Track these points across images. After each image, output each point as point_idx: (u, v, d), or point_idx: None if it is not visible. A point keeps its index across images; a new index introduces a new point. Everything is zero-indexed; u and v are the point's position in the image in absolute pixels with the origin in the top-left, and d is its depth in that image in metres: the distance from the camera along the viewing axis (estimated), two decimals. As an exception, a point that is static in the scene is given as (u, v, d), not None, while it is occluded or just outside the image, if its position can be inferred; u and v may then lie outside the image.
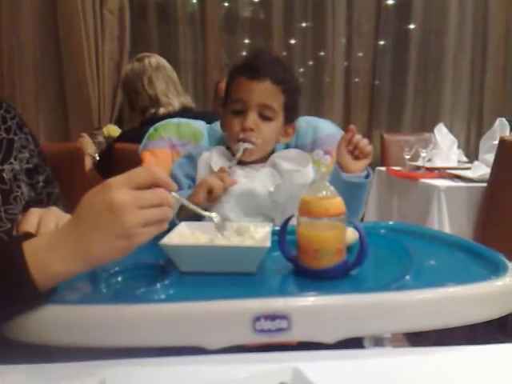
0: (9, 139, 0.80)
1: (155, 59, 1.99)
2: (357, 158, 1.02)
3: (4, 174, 0.76)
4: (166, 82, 1.94)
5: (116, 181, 0.57)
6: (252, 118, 1.06)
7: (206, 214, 0.76)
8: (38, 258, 0.55)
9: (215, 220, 0.76)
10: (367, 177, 1.03)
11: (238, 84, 1.08)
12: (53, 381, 0.52)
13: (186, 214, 0.89)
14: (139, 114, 1.94)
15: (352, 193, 0.99)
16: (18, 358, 0.56)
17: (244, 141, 1.06)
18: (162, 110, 1.87)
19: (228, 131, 1.11)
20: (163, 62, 2.00)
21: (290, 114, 1.13)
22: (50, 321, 0.57)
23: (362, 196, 1.06)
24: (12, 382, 0.47)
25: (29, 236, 0.60)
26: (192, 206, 0.72)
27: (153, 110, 1.88)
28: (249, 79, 1.06)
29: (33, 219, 0.65)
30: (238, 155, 1.06)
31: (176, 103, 1.90)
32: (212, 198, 1.01)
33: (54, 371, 0.54)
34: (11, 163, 0.78)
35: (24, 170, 0.81)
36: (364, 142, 1.01)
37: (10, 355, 0.57)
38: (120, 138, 1.97)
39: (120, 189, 0.55)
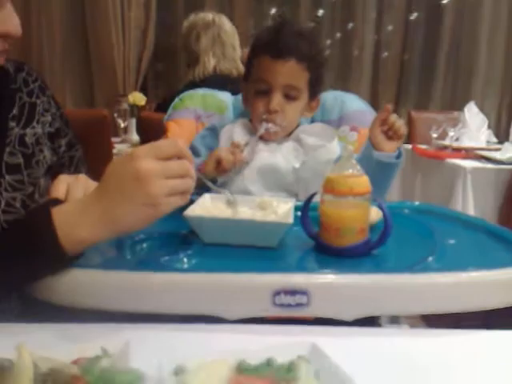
0: (31, 103, 0.79)
1: (212, 16, 1.88)
2: (390, 138, 1.00)
3: (26, 139, 0.76)
4: (214, 41, 1.84)
5: (142, 150, 0.57)
6: (277, 99, 1.03)
7: (220, 189, 0.80)
8: (65, 224, 0.56)
9: (228, 196, 0.78)
10: (398, 157, 1.02)
11: (261, 63, 1.04)
12: (78, 340, 0.54)
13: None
14: (190, 72, 1.88)
15: (382, 172, 0.98)
16: (44, 316, 0.58)
17: (268, 121, 1.04)
18: (196, 71, 1.82)
19: (252, 111, 1.09)
20: (222, 21, 1.89)
21: (315, 89, 1.10)
22: (74, 284, 0.59)
23: (391, 176, 1.05)
24: (38, 340, 0.49)
25: (57, 202, 0.61)
26: (206, 181, 0.76)
27: (191, 72, 1.84)
28: (273, 59, 1.02)
29: (61, 186, 0.66)
30: (259, 133, 1.05)
31: (210, 66, 1.82)
32: (220, 170, 1.01)
33: (80, 331, 0.56)
34: (34, 127, 0.78)
35: (46, 133, 0.80)
36: (399, 123, 1.00)
37: (36, 314, 0.59)
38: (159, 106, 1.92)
39: (146, 158, 0.56)
